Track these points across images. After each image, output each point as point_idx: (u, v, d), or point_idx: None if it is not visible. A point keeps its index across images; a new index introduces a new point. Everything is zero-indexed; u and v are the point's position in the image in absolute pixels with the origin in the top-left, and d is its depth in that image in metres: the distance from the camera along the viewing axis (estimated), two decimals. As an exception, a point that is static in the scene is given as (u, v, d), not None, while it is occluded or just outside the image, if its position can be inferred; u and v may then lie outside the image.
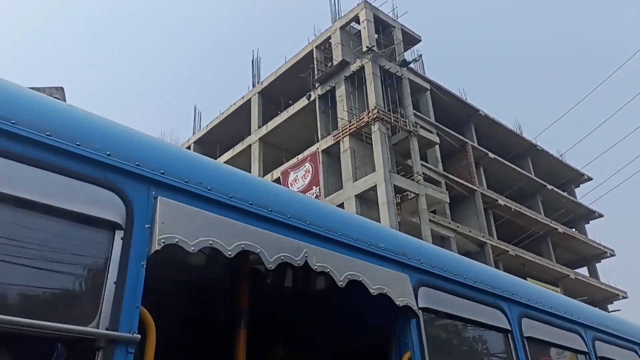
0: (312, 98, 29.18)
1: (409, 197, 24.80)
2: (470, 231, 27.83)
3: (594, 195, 74.42)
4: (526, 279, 30.66)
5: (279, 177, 29.41)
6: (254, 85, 34.34)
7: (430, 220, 25.04)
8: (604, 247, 38.41)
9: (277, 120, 31.21)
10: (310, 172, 27.82)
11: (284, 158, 30.33)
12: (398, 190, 24.67)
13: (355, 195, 25.19)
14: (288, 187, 28.85)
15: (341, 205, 25.68)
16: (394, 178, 24.72)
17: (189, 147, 37.30)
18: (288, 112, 30.61)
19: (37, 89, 2.41)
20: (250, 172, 31.77)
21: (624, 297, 37.56)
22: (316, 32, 30.90)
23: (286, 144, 31.57)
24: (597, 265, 38.98)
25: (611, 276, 74.81)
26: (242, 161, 32.64)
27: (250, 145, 32.47)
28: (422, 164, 26.55)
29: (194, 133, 38.05)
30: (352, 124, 26.34)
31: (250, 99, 33.88)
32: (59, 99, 2.53)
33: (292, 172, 28.83)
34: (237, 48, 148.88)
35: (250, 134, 32.86)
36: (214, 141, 36.05)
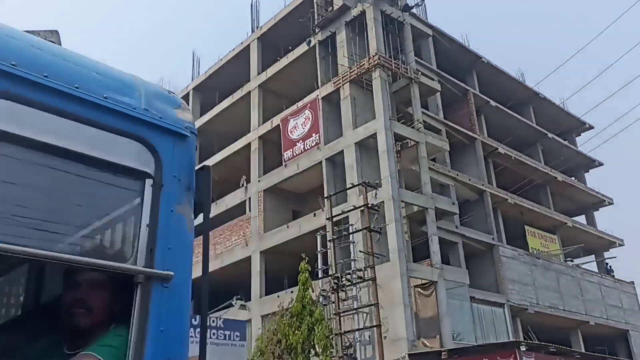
0: (312, 44, 28.68)
1: (409, 145, 24.73)
2: (469, 179, 27.88)
3: (595, 144, 74.37)
4: (524, 227, 31.07)
5: (279, 124, 29.24)
6: (253, 31, 33.70)
7: (430, 168, 25.05)
8: (603, 195, 38.60)
9: (277, 67, 30.78)
10: (310, 119, 27.65)
11: (283, 105, 30.09)
12: (398, 137, 24.58)
13: (355, 143, 25.11)
14: (288, 134, 28.73)
15: (341, 153, 25.67)
16: (394, 125, 24.57)
17: (187, 94, 36.96)
18: (288, 58, 30.14)
19: (32, 32, 2.32)
20: (249, 119, 31.90)
21: (620, 245, 38.02)
22: (316, -25, 30.07)
23: (286, 90, 31.24)
24: (595, 213, 39.30)
25: (608, 224, 75.59)
26: (241, 108, 32.43)
27: (249, 92, 32.14)
28: (422, 112, 26.34)
29: (192, 79, 37.61)
30: (353, 71, 25.98)
31: (249, 44, 33.31)
32: (54, 43, 2.44)
33: (291, 119, 28.65)
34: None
35: (249, 81, 32.48)
36: (213, 88, 35.69)
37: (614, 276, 36.22)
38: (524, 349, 18.24)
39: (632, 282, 36.64)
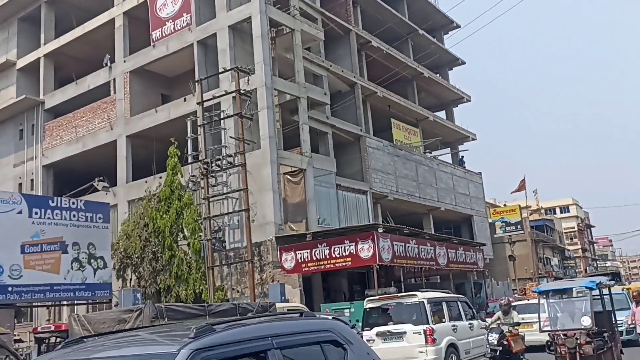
0: None
1: (284, 32, 24.29)
2: (342, 71, 28.24)
3: (458, 40, 77.54)
4: (391, 120, 32.48)
5: (146, 0, 27.22)
6: None
7: (304, 58, 24.95)
8: (462, 92, 41.07)
9: None
10: (181, -3, 25.97)
11: (152, -21, 27.85)
12: (273, 23, 24.01)
13: (229, 26, 24.20)
14: (156, 12, 26.92)
15: (214, 36, 24.68)
16: (270, 10, 23.89)
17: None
18: None
19: None
20: (113, -8, 28.64)
21: (473, 139, 41.28)
22: None
23: (154, -37, 28.79)
24: (455, 109, 41.95)
25: (465, 119, 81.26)
26: (104, -21, 29.55)
27: (113, -39, 29.24)
28: (299, -2, 25.74)
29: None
30: (228, -53, 24.42)
31: None
32: None
33: (161, -4, 26.74)
34: None
35: (113, -52, 29.44)
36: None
37: (465, 167, 39.62)
38: (381, 231, 19.76)
39: (480, 173, 40.39)
